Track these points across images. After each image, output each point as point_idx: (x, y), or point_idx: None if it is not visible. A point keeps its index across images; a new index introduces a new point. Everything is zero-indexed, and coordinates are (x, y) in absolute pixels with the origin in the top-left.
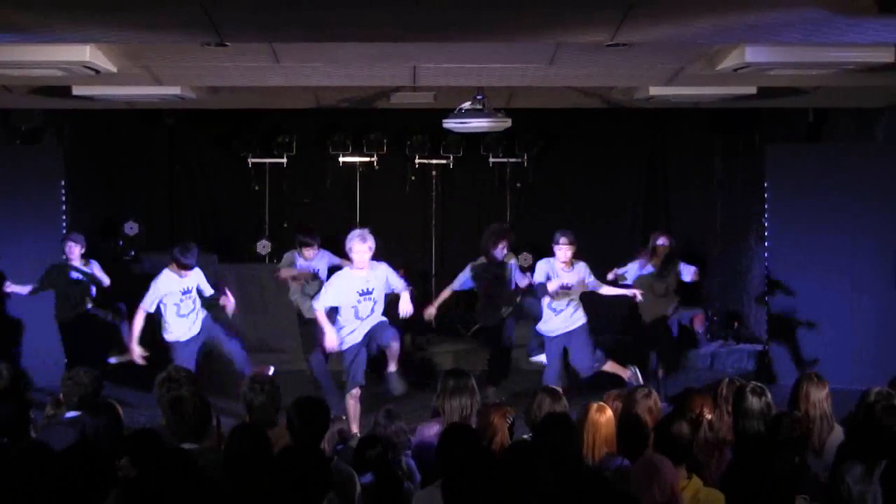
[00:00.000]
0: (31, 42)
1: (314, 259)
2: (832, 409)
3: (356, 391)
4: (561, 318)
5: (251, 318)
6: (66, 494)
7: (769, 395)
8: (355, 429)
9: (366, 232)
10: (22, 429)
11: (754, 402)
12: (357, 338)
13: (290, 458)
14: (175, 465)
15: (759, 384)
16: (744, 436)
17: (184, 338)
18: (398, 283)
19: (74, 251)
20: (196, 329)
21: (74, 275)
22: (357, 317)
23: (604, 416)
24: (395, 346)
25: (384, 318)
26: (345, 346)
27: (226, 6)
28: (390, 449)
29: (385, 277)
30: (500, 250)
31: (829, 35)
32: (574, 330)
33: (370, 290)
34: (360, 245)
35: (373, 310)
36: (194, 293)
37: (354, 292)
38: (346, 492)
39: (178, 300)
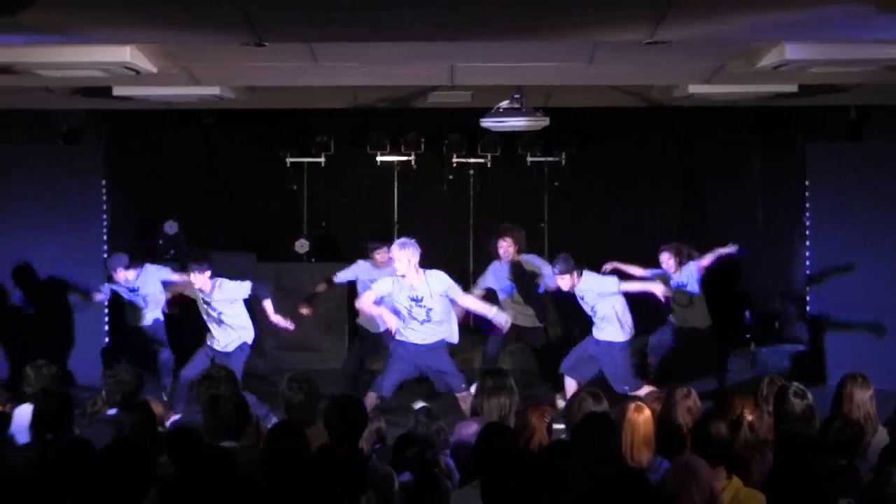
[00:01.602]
0: (72, 43)
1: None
2: (876, 411)
3: (374, 398)
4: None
5: (289, 317)
6: (108, 491)
7: (810, 397)
8: None
9: (406, 240)
10: (66, 426)
11: (796, 404)
12: (413, 337)
13: (328, 457)
14: (214, 463)
15: (800, 386)
16: (785, 437)
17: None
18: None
19: (119, 275)
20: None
21: (127, 295)
22: (412, 317)
23: (642, 415)
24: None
25: (442, 347)
26: (399, 338)
27: (265, 7)
28: (429, 448)
29: (437, 283)
30: (503, 250)
31: (870, 31)
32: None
33: (419, 297)
34: (399, 252)
35: (428, 315)
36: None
37: (407, 297)
38: (384, 491)
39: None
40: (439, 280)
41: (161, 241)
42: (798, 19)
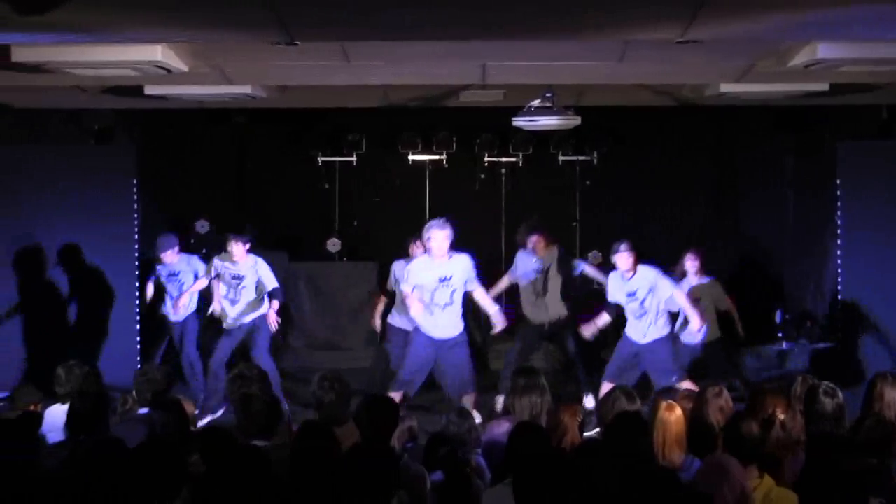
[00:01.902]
0: (104, 42)
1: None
2: None
3: (399, 396)
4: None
5: (321, 316)
6: (139, 490)
7: (840, 396)
8: None
9: (444, 221)
10: (101, 425)
11: (826, 404)
12: (432, 330)
13: (360, 456)
14: (245, 462)
15: (831, 385)
16: (815, 436)
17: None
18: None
19: (167, 256)
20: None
21: (165, 279)
22: (434, 302)
23: (673, 414)
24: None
25: (463, 343)
26: (420, 331)
27: (296, 6)
28: (460, 447)
29: (463, 270)
30: (533, 243)
31: None
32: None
33: (448, 276)
34: (439, 232)
35: (451, 298)
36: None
37: (435, 280)
38: (416, 490)
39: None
40: (465, 264)
41: (193, 241)
42: (830, 18)
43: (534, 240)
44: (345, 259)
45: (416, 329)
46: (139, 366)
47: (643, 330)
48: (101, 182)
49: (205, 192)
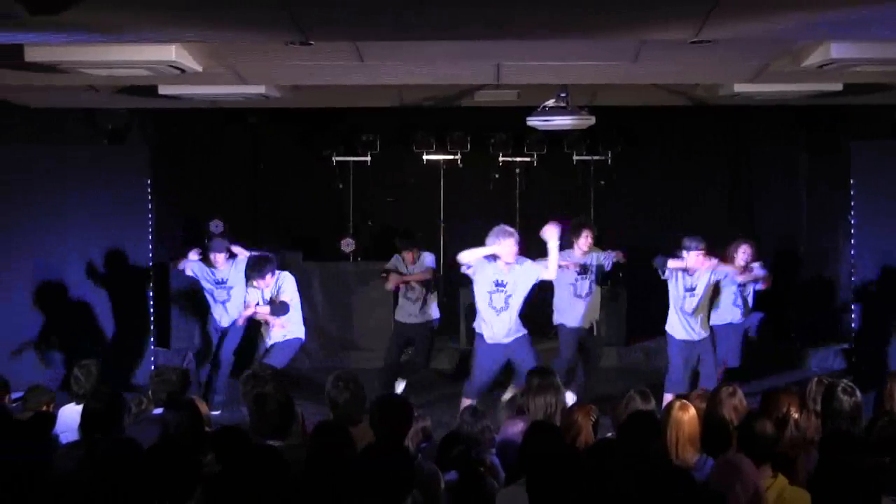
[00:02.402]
0: (117, 42)
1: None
2: None
3: (467, 402)
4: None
5: (335, 316)
6: (154, 490)
7: (859, 395)
8: None
9: (509, 228)
10: (116, 425)
11: (844, 402)
12: (497, 336)
13: (374, 456)
14: (260, 462)
15: (849, 383)
16: (830, 435)
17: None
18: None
19: (218, 258)
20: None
21: (211, 284)
22: (491, 305)
23: (687, 414)
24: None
25: (527, 343)
26: (485, 340)
27: (311, 5)
28: (475, 447)
29: (525, 274)
30: (584, 241)
31: None
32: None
33: (504, 282)
34: (507, 239)
35: (507, 303)
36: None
37: (491, 282)
38: (430, 490)
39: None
40: (526, 270)
41: (207, 241)
42: (843, 18)
43: (585, 236)
44: (359, 259)
45: (479, 336)
46: (153, 366)
47: (698, 326)
48: (115, 182)
49: (218, 191)
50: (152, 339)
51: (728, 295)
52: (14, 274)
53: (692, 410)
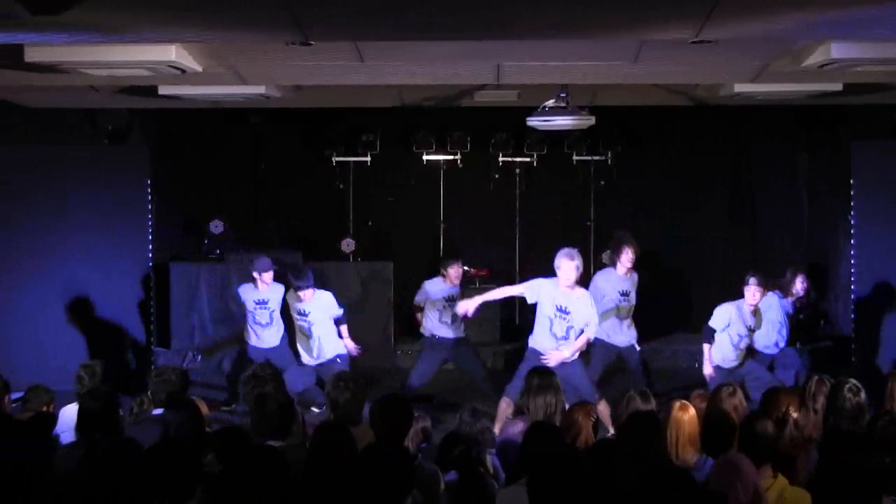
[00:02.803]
0: (118, 42)
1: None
2: None
3: (508, 402)
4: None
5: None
6: (154, 490)
7: (863, 396)
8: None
9: (574, 252)
10: (113, 425)
11: (849, 400)
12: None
13: (374, 456)
14: (261, 462)
15: (856, 383)
16: (831, 434)
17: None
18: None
19: (264, 277)
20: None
21: (252, 307)
22: (552, 332)
23: (687, 414)
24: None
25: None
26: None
27: (311, 5)
28: (475, 447)
29: (583, 307)
30: (627, 258)
31: None
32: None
33: (566, 309)
34: (568, 263)
35: (567, 333)
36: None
37: (553, 304)
38: (430, 490)
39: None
40: (586, 301)
41: (207, 241)
42: (843, 18)
43: (628, 254)
44: (359, 259)
45: (534, 350)
46: (152, 366)
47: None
48: (115, 182)
49: (219, 192)
50: (152, 338)
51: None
52: (14, 274)
53: (692, 410)
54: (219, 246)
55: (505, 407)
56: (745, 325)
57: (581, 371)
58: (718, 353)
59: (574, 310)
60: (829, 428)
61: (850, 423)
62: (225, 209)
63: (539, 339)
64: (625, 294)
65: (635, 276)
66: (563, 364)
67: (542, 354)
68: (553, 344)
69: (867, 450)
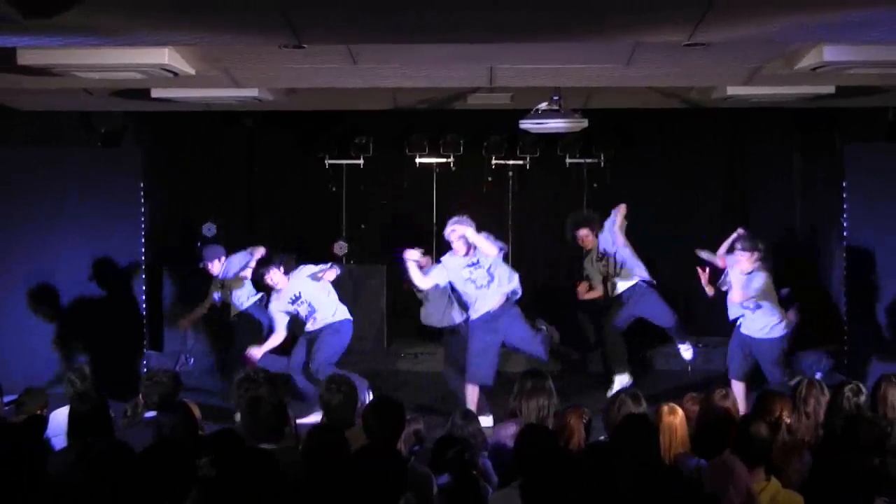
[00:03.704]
0: (111, 45)
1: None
2: None
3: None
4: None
5: None
6: (147, 493)
7: (861, 398)
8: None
9: (464, 219)
10: (104, 428)
11: (848, 401)
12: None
13: (367, 459)
14: (255, 465)
15: (858, 384)
16: (830, 434)
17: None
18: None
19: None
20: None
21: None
22: (474, 282)
23: (677, 417)
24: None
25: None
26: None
27: (304, 8)
28: (467, 450)
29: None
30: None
31: None
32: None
33: (477, 262)
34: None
35: (491, 276)
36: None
37: (460, 268)
38: (423, 492)
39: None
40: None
41: (199, 244)
42: (836, 20)
43: (583, 234)
44: (352, 262)
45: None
46: (145, 369)
47: (754, 324)
48: (108, 184)
49: (212, 194)
50: (145, 341)
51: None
52: (8, 277)
53: (681, 413)
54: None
55: (471, 392)
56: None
57: (521, 323)
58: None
59: (480, 256)
60: (828, 428)
61: (848, 423)
62: (218, 212)
63: (474, 306)
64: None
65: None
66: (503, 317)
67: (483, 319)
68: (480, 292)
69: (857, 453)
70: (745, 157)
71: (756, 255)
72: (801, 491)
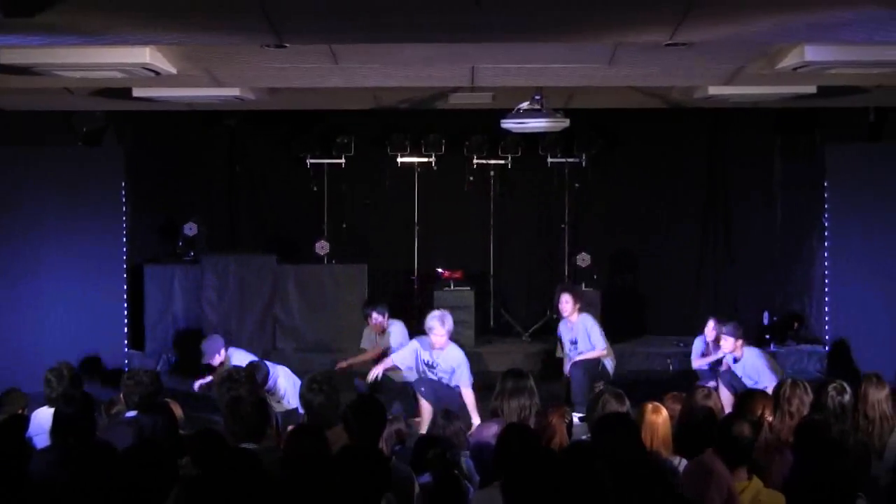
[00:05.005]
0: (92, 44)
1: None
2: (893, 411)
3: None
4: None
5: (310, 319)
6: (128, 493)
7: (846, 397)
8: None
9: (446, 315)
10: (87, 428)
11: (832, 399)
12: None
13: (349, 458)
14: (237, 464)
15: (843, 383)
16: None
17: None
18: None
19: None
20: None
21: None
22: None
23: (660, 416)
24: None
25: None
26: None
27: (285, 8)
28: (449, 449)
29: (450, 358)
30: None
31: (890, 34)
32: None
33: (433, 364)
34: (440, 327)
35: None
36: None
37: (421, 362)
38: (405, 492)
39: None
40: (453, 354)
41: (181, 243)
42: (818, 21)
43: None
44: (334, 261)
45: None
46: (126, 369)
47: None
48: (90, 183)
49: (194, 194)
50: (125, 340)
51: None
52: None
53: (665, 413)
54: (193, 249)
55: (468, 396)
56: None
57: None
58: None
59: (441, 360)
60: (807, 426)
61: (834, 421)
62: (200, 211)
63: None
64: (573, 343)
65: (585, 319)
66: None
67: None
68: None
69: (837, 452)
70: (727, 157)
71: (741, 341)
72: (783, 490)
